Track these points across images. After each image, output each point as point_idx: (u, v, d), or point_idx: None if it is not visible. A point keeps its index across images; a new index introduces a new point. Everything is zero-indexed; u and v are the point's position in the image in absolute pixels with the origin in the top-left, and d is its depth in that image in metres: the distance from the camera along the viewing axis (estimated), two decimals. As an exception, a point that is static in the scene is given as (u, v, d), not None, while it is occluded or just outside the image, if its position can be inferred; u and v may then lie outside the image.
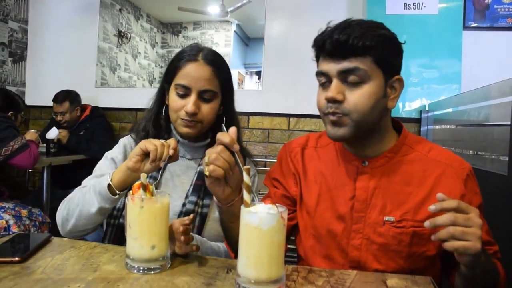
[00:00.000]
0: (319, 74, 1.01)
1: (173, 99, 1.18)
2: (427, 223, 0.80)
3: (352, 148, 1.08)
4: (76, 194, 1.14)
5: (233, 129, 0.94)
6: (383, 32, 0.97)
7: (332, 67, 0.97)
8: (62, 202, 1.17)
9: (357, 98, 0.95)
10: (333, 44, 0.95)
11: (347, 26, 0.96)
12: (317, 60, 1.05)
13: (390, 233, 1.00)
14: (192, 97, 1.15)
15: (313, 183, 1.13)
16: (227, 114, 1.27)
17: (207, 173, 0.90)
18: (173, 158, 1.02)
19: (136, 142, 1.27)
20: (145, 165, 1.01)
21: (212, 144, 1.23)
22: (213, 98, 1.19)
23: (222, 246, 1.16)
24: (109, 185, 1.04)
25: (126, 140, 1.31)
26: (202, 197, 1.20)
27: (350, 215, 1.05)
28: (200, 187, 1.20)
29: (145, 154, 1.01)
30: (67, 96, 3.27)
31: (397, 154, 1.06)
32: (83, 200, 1.09)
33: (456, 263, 0.86)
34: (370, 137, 1.04)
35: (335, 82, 0.97)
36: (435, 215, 0.81)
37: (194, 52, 1.19)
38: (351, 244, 1.04)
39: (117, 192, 1.05)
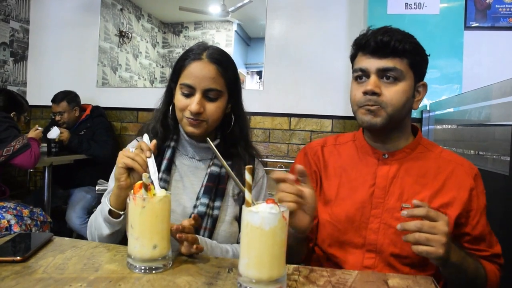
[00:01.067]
0: (358, 70, 1.12)
1: (178, 99, 1.18)
2: (398, 226, 0.90)
3: (375, 142, 1.18)
4: (92, 218, 1.16)
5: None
6: (416, 41, 1.12)
7: (372, 64, 1.08)
8: (87, 227, 1.19)
9: (392, 93, 1.07)
10: (377, 43, 1.07)
11: (388, 30, 1.09)
12: (353, 58, 1.17)
13: (406, 218, 1.05)
14: (196, 97, 1.14)
15: (333, 176, 1.21)
16: (235, 113, 1.27)
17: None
18: (154, 153, 1.03)
19: None
20: (134, 178, 1.02)
21: (221, 145, 1.24)
22: (218, 97, 1.17)
23: (231, 249, 1.16)
24: (111, 209, 1.06)
25: (133, 146, 1.29)
26: (213, 199, 1.19)
27: (370, 201, 1.12)
28: (211, 189, 1.19)
29: (129, 169, 1.01)
30: (65, 96, 3.28)
31: (414, 151, 1.16)
32: (97, 225, 1.11)
33: None
34: (394, 131, 1.14)
35: (373, 77, 1.08)
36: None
37: (199, 51, 1.18)
38: (369, 228, 1.11)
39: (121, 213, 1.05)
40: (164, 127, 1.26)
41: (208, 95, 1.16)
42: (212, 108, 1.17)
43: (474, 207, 1.08)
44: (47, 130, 3.12)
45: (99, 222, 1.09)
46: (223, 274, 0.86)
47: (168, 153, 1.24)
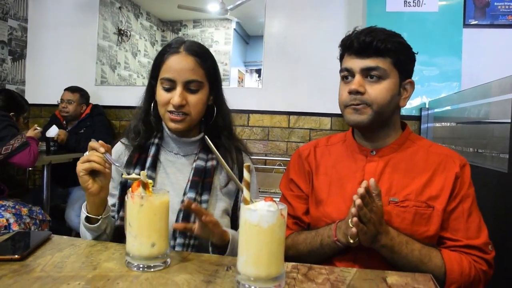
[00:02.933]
0: (344, 70, 1.16)
1: (160, 94, 1.18)
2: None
3: (363, 140, 1.21)
4: (80, 227, 1.15)
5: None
6: (401, 40, 1.14)
7: (356, 63, 1.12)
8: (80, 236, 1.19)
9: (376, 91, 1.11)
10: (360, 44, 1.10)
11: (372, 30, 1.12)
12: (341, 59, 1.20)
13: (394, 211, 1.10)
14: (178, 89, 1.15)
15: (324, 176, 1.24)
16: (217, 104, 1.27)
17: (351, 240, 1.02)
18: (109, 151, 1.02)
19: (128, 146, 1.27)
20: (101, 179, 1.01)
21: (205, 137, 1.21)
22: (199, 89, 1.18)
23: None
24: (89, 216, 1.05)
25: (117, 148, 1.29)
26: (200, 193, 1.18)
27: None
28: (198, 183, 1.19)
29: (91, 173, 1.00)
30: (80, 90, 3.39)
31: (401, 146, 1.19)
32: (82, 233, 1.12)
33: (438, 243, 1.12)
34: (382, 128, 1.17)
35: (357, 77, 1.12)
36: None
37: (177, 45, 1.19)
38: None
39: (98, 218, 1.05)
40: (146, 125, 1.26)
41: (189, 87, 1.16)
42: (194, 100, 1.17)
43: (455, 192, 1.10)
44: (46, 128, 3.12)
45: (83, 231, 1.10)
46: (222, 272, 0.86)
47: (152, 150, 1.24)
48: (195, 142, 1.26)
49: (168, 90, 1.16)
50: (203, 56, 1.19)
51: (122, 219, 1.16)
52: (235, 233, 1.08)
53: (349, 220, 1.01)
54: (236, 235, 1.07)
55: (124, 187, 1.19)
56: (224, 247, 1.04)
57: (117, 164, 0.99)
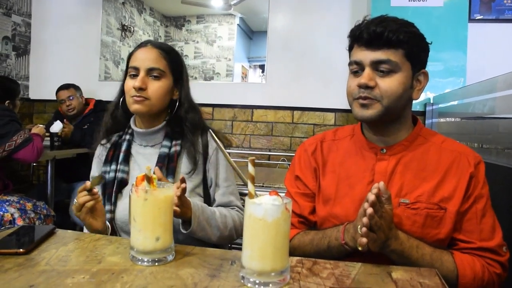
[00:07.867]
0: (353, 63, 1.09)
1: (126, 83, 1.29)
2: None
3: (373, 136, 1.15)
4: None
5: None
6: (414, 29, 1.08)
7: (366, 56, 1.06)
8: None
9: (387, 85, 1.04)
10: (370, 34, 1.04)
11: (383, 20, 1.05)
12: (350, 50, 1.14)
13: (405, 214, 1.05)
14: (140, 75, 1.26)
15: (331, 173, 1.19)
16: (181, 99, 1.37)
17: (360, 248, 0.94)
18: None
19: (104, 146, 1.41)
20: (96, 209, 1.11)
21: (168, 127, 1.35)
22: (161, 77, 1.29)
23: (228, 213, 1.31)
24: None
25: (97, 152, 1.43)
26: (165, 177, 1.23)
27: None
28: (161, 169, 1.26)
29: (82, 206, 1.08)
30: (71, 84, 3.34)
31: (413, 143, 1.13)
32: None
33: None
34: (393, 123, 1.11)
35: (367, 70, 1.05)
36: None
37: (146, 42, 1.33)
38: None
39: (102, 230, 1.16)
40: (113, 118, 1.40)
41: (151, 74, 1.28)
42: (155, 86, 1.28)
43: (469, 193, 1.05)
44: (50, 124, 3.13)
45: None
46: (226, 266, 0.86)
47: (124, 146, 1.36)
48: (158, 131, 1.35)
49: (134, 77, 1.27)
50: (167, 50, 1.32)
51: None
52: (199, 207, 1.19)
53: (358, 226, 0.95)
54: (201, 209, 1.20)
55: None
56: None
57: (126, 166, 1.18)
